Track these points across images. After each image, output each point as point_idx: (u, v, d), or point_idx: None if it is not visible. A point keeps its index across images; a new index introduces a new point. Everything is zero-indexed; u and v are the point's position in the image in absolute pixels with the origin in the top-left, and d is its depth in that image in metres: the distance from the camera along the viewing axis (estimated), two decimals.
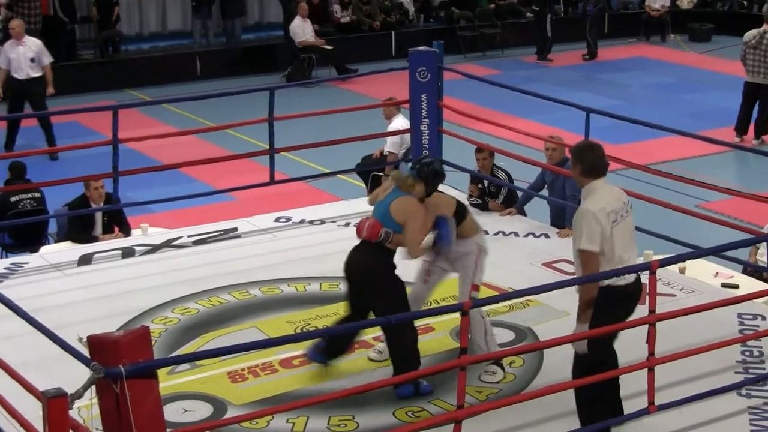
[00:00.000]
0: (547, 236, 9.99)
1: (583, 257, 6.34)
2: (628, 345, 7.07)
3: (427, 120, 10.90)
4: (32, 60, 15.69)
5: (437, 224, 7.26)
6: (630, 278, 6.47)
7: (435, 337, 7.96)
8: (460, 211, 7.39)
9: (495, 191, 10.65)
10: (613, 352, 6.61)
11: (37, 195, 11.04)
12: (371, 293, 7.15)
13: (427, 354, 7.67)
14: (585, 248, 6.29)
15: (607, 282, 6.36)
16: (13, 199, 10.90)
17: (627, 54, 24.29)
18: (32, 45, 15.78)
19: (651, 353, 6.58)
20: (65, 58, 20.89)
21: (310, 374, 7.48)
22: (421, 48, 11.09)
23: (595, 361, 6.41)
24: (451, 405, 6.75)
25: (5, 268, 9.36)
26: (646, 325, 6.60)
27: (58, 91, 16.00)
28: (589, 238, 6.27)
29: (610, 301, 6.37)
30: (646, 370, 6.61)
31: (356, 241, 7.34)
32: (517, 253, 9.67)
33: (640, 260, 9.19)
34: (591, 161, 6.43)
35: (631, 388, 6.81)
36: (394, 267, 7.20)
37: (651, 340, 6.57)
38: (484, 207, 10.61)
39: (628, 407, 6.70)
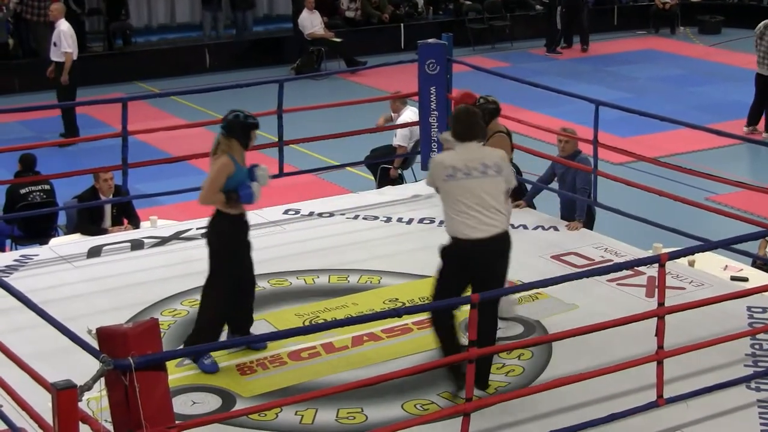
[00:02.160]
0: (556, 229, 9.98)
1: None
2: (637, 338, 7.08)
3: (436, 112, 10.90)
4: (54, 44, 15.86)
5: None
6: (474, 234, 6.74)
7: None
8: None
9: None
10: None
11: (47, 187, 11.05)
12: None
13: (435, 347, 7.67)
14: (428, 185, 7.09)
15: (449, 233, 6.86)
16: (23, 191, 10.93)
17: (636, 46, 24.24)
18: (58, 29, 16.00)
19: (660, 346, 6.58)
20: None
21: (318, 367, 7.48)
22: (430, 40, 11.09)
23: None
24: (460, 398, 6.74)
25: (15, 260, 9.38)
26: (655, 318, 6.59)
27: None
28: (428, 181, 7.08)
29: (447, 248, 6.88)
30: (655, 363, 6.60)
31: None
32: (526, 245, 9.64)
33: (649, 253, 9.20)
34: (457, 128, 6.90)
35: (640, 381, 6.81)
36: (226, 228, 7.35)
37: (660, 333, 6.56)
38: None
39: (637, 400, 6.70)
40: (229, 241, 7.38)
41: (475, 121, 6.91)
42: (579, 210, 10.01)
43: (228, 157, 7.26)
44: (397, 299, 8.43)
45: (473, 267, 6.77)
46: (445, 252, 6.88)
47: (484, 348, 6.36)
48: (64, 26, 15.98)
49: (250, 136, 7.38)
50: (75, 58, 16.06)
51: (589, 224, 10.18)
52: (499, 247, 6.82)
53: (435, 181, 6.91)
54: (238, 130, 7.31)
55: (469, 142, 6.84)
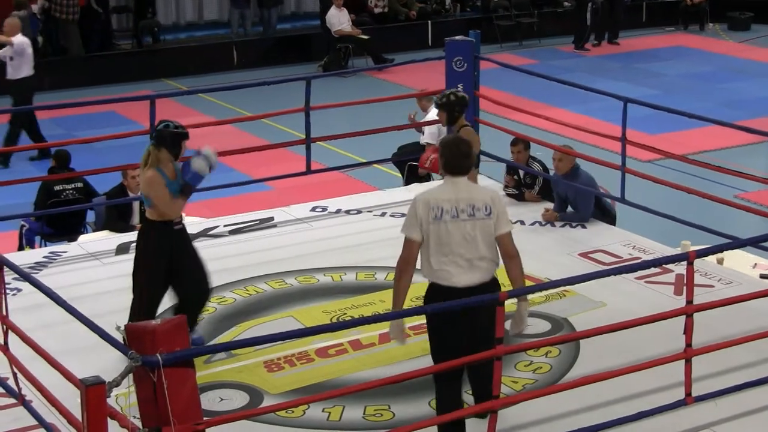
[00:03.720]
0: (583, 227, 9.94)
1: (405, 241, 6.29)
2: (666, 336, 7.05)
3: None
4: (10, 58, 15.29)
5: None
6: (461, 282, 6.18)
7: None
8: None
9: (530, 182, 10.62)
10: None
11: (80, 185, 11.09)
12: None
13: None
14: (402, 233, 6.29)
15: (430, 278, 6.27)
16: (56, 188, 10.97)
17: (665, 43, 24.13)
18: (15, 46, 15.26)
19: (688, 344, 6.55)
20: (99, 48, 21.03)
21: (345, 364, 7.49)
22: (457, 37, 11.07)
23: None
24: None
25: (44, 257, 9.43)
26: (684, 316, 6.56)
27: (96, 81, 15.97)
28: (405, 224, 6.28)
29: (429, 299, 6.31)
30: (683, 361, 6.58)
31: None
32: (553, 243, 9.63)
33: (678, 250, 9.16)
34: (449, 158, 6.27)
35: (668, 379, 6.79)
36: (151, 239, 7.38)
37: (688, 331, 6.54)
38: (519, 197, 10.59)
39: (665, 398, 6.68)
40: (153, 250, 7.40)
41: (467, 153, 6.30)
42: (581, 204, 9.97)
43: (154, 171, 7.26)
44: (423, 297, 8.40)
45: (462, 317, 6.17)
46: (429, 304, 6.25)
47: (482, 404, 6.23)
48: (18, 40, 15.27)
49: (180, 146, 7.34)
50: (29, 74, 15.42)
51: (610, 224, 10.16)
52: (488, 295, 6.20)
53: (421, 222, 6.18)
54: (168, 140, 7.29)
55: (459, 177, 6.25)
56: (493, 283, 6.28)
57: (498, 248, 6.30)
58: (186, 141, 7.37)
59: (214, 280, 8.67)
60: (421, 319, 7.75)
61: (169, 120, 7.41)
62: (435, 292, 6.26)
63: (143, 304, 7.39)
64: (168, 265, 7.33)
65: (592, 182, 10.00)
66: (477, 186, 6.53)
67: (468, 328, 6.19)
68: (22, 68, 15.08)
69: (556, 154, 10.01)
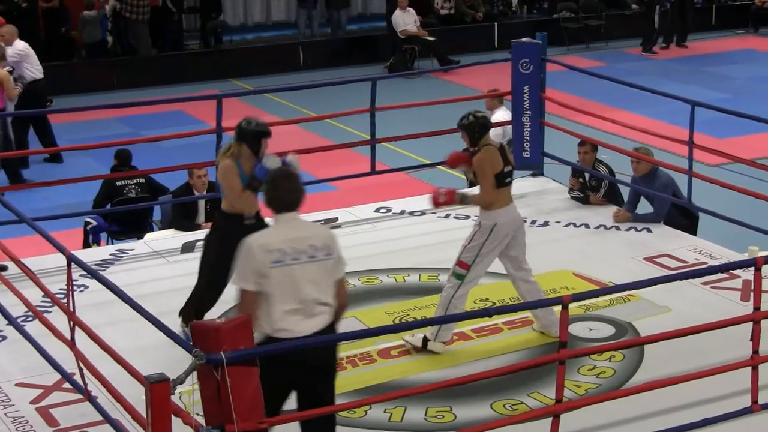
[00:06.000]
0: (649, 231, 9.86)
1: (240, 293, 5.74)
2: (732, 342, 6.97)
3: (529, 112, 10.84)
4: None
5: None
6: (299, 331, 5.69)
7: (533, 331, 7.91)
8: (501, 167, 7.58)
9: (596, 185, 10.54)
10: None
11: (142, 181, 11.18)
12: None
13: (525, 347, 7.65)
14: (235, 284, 5.77)
15: (270, 333, 5.72)
16: (119, 183, 11.08)
17: (734, 46, 23.84)
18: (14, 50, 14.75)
19: (755, 351, 6.48)
20: (172, 47, 21.23)
21: (408, 365, 7.50)
22: (524, 39, 11.02)
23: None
24: (549, 399, 6.71)
25: (111, 255, 9.54)
26: (751, 323, 6.48)
27: (164, 80, 15.95)
28: (239, 273, 5.74)
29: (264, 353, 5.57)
30: (749, 368, 6.50)
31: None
32: (619, 246, 9.56)
33: (745, 256, 9.04)
34: (272, 194, 5.80)
35: (735, 386, 6.71)
36: (219, 229, 7.63)
37: (755, 337, 6.46)
38: (585, 200, 10.52)
39: (731, 406, 6.60)
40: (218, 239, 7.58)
41: (292, 188, 5.81)
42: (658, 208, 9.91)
43: (232, 161, 7.45)
44: (487, 299, 8.40)
45: (300, 369, 5.70)
46: (263, 358, 5.45)
47: None
48: (20, 45, 14.79)
49: (260, 144, 7.49)
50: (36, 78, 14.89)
51: (692, 228, 10.05)
52: (328, 344, 5.80)
53: (260, 267, 5.61)
54: (249, 137, 7.46)
55: (289, 214, 5.76)
56: (331, 329, 5.84)
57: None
58: (267, 139, 7.51)
59: None
60: (482, 322, 7.76)
61: (253, 117, 7.58)
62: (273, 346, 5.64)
63: (200, 291, 7.62)
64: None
65: (672, 182, 9.91)
66: (313, 224, 6.09)
67: (308, 379, 5.78)
68: (24, 73, 14.80)
69: (634, 157, 9.99)
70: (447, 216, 10.26)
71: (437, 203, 7.80)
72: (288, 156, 7.50)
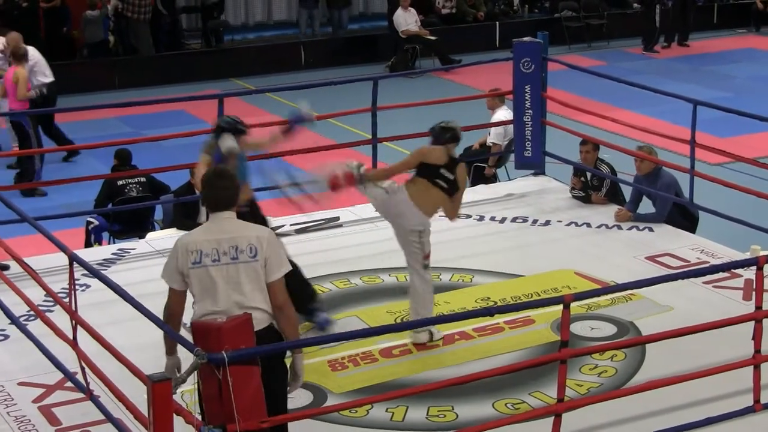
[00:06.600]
0: (650, 230, 9.86)
1: (169, 291, 5.77)
2: (734, 341, 6.97)
3: (530, 111, 10.85)
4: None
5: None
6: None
7: (535, 330, 7.92)
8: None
9: (598, 184, 10.54)
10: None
11: (143, 180, 11.19)
12: None
13: (528, 346, 7.65)
14: (163, 278, 5.75)
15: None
16: (120, 182, 11.09)
17: (736, 45, 23.83)
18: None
19: (757, 350, 6.48)
20: (166, 47, 21.24)
21: (409, 364, 7.50)
22: (525, 39, 11.02)
23: None
24: (551, 398, 6.71)
25: (113, 254, 9.55)
26: (752, 322, 6.48)
27: (165, 80, 15.99)
28: (165, 271, 5.75)
29: None
30: (751, 367, 6.50)
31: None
32: (620, 246, 9.56)
33: (747, 255, 9.04)
34: (206, 193, 5.82)
35: (737, 385, 6.71)
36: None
37: (757, 336, 6.46)
38: (586, 200, 10.52)
39: (733, 405, 6.60)
40: None
41: (226, 186, 5.74)
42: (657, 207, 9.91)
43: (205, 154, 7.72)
44: (489, 298, 8.40)
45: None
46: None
47: None
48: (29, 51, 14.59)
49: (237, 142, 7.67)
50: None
51: (691, 230, 10.04)
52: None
53: (182, 267, 5.62)
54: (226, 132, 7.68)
55: (223, 213, 5.70)
56: (268, 334, 5.65)
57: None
58: (244, 137, 7.71)
59: None
60: (484, 321, 7.76)
61: (233, 116, 7.81)
62: None
63: None
64: None
65: (675, 183, 9.90)
66: (245, 224, 5.84)
67: None
68: (36, 77, 14.69)
69: (637, 156, 10.00)
70: None
71: (336, 186, 7.96)
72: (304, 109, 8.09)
